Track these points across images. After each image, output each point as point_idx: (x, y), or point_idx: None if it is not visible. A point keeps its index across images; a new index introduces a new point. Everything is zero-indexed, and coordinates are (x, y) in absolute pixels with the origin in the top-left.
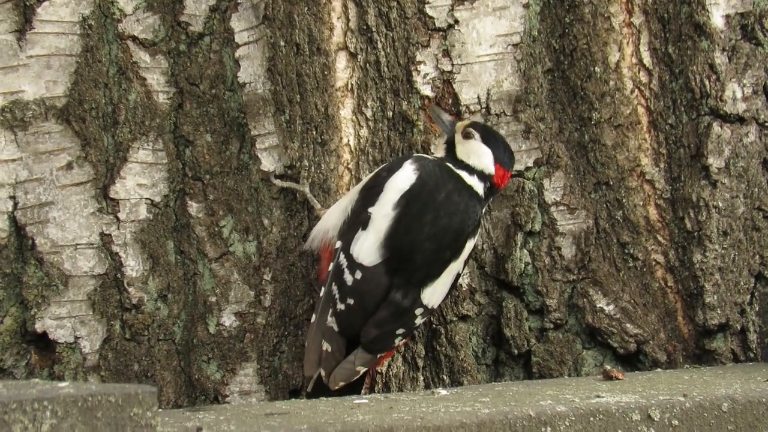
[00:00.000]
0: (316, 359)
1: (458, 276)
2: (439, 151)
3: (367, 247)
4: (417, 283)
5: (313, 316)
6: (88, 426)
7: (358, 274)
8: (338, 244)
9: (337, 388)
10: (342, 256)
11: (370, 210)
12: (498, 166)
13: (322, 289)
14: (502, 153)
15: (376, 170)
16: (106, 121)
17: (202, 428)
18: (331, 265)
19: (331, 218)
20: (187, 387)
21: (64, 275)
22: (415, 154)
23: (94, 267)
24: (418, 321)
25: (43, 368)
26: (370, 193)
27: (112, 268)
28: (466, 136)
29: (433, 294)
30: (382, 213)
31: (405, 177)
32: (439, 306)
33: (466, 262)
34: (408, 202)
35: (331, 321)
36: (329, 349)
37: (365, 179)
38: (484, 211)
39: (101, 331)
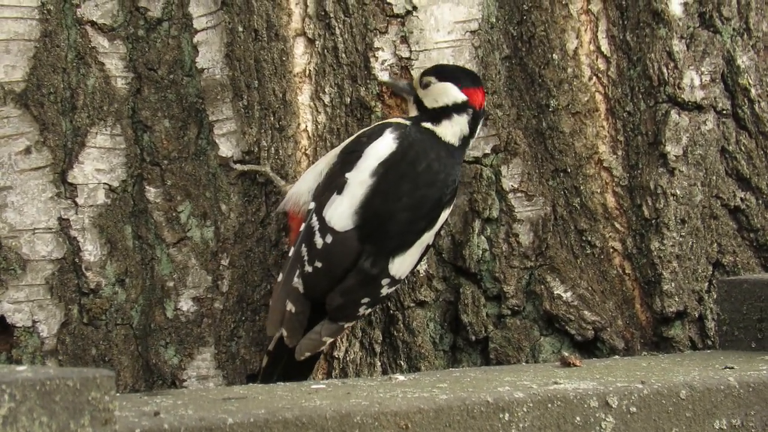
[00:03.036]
0: (279, 319)
1: (428, 247)
2: (411, 113)
3: (341, 212)
4: (387, 252)
5: (280, 275)
6: (46, 410)
7: (329, 238)
8: (312, 205)
9: (303, 358)
10: (314, 218)
11: (347, 175)
12: (466, 90)
13: (291, 248)
14: (463, 77)
15: (356, 134)
16: (64, 105)
17: (160, 412)
18: (303, 225)
19: (306, 182)
20: (144, 371)
21: (22, 259)
22: (393, 121)
23: (52, 251)
24: (384, 291)
25: (0, 352)
26: (349, 158)
27: (70, 253)
28: (425, 85)
29: (402, 264)
30: (359, 179)
31: (385, 144)
32: (398, 288)
33: (438, 234)
34: (387, 170)
35: (297, 282)
36: (293, 310)
37: (345, 142)
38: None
39: (59, 316)
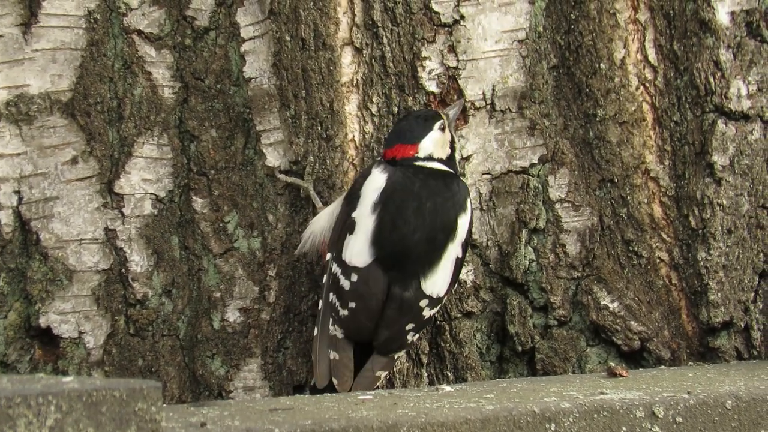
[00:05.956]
0: (326, 371)
1: (459, 261)
2: None
3: (358, 249)
4: (415, 274)
5: (315, 330)
6: (92, 421)
7: (354, 277)
8: (329, 255)
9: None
10: (335, 265)
11: (353, 215)
12: (384, 152)
13: (320, 302)
14: (387, 140)
15: (353, 180)
16: (111, 115)
17: (207, 423)
18: (325, 276)
19: (320, 222)
20: (191, 382)
21: (68, 270)
22: (378, 159)
23: (98, 262)
24: (426, 313)
25: (47, 363)
26: (351, 200)
27: (117, 264)
28: None
29: (435, 283)
30: (366, 213)
31: (377, 178)
32: (446, 299)
33: (465, 245)
34: (387, 198)
35: (333, 329)
36: (337, 357)
37: (347, 190)
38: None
39: (105, 326)
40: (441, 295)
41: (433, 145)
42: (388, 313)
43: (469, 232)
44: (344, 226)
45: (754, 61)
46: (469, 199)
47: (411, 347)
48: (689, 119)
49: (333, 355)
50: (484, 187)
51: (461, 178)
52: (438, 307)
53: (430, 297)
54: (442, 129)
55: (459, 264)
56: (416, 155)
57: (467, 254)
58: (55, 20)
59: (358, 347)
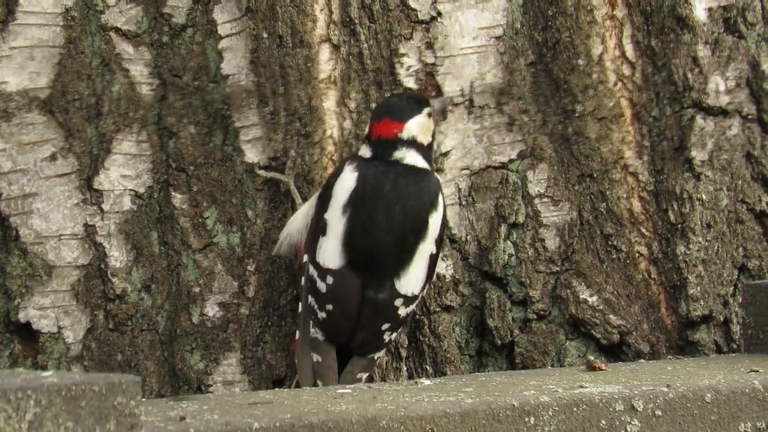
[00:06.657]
0: (310, 373)
1: (434, 257)
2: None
3: (331, 252)
4: (388, 275)
5: (297, 332)
6: (71, 415)
7: (330, 279)
8: (305, 257)
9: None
10: (311, 267)
11: (325, 216)
12: (372, 125)
13: (299, 303)
14: (379, 111)
15: (327, 177)
16: (89, 112)
17: (186, 417)
18: (302, 279)
19: (295, 222)
20: (170, 377)
21: (48, 266)
22: (353, 154)
23: (77, 257)
24: (402, 312)
25: (26, 358)
26: (323, 201)
27: (96, 259)
28: None
29: (410, 281)
30: (336, 216)
31: (348, 177)
32: (424, 293)
33: (438, 242)
34: (357, 199)
35: (314, 332)
36: (320, 360)
37: (320, 189)
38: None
39: (85, 321)
40: (416, 292)
41: (418, 128)
42: (364, 316)
43: (442, 227)
44: (317, 227)
45: (731, 56)
46: (440, 195)
47: (389, 346)
48: (667, 115)
49: (316, 357)
50: (463, 183)
51: (435, 173)
52: (414, 303)
53: (404, 296)
54: (429, 116)
55: (434, 259)
56: (399, 135)
57: (446, 249)
58: (33, 18)
59: (341, 348)
